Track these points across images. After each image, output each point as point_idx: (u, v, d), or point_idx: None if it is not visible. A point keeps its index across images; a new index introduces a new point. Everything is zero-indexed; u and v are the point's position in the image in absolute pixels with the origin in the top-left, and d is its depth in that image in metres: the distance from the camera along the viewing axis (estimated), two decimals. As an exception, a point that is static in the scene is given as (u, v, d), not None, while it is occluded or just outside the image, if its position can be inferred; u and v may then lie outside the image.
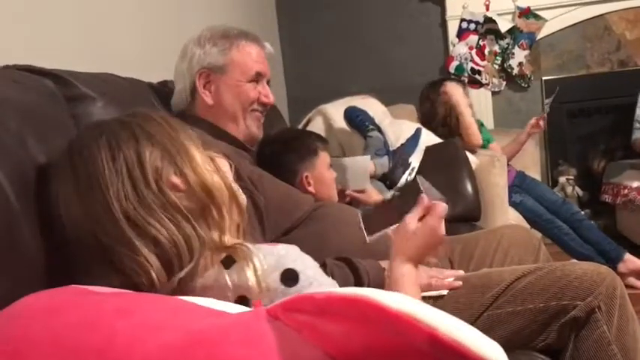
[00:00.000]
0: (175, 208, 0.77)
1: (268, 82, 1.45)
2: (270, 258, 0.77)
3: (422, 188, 0.96)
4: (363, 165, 1.87)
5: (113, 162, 0.78)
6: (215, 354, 0.46)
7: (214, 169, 0.85)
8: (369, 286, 1.18)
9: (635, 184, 2.89)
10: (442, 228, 0.97)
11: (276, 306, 0.49)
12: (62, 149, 0.84)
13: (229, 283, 0.72)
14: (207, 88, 1.37)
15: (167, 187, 0.78)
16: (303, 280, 0.77)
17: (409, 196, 1.00)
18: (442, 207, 0.98)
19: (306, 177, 1.56)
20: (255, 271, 0.73)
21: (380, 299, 0.41)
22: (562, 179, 3.31)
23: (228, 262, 0.75)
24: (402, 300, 0.40)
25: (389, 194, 1.07)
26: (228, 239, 0.80)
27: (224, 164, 0.89)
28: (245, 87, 1.37)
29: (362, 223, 1.02)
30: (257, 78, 1.39)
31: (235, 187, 0.87)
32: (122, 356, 0.48)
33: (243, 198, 0.89)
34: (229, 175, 0.89)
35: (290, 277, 0.77)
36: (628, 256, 2.54)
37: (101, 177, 0.77)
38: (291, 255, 0.79)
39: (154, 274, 0.71)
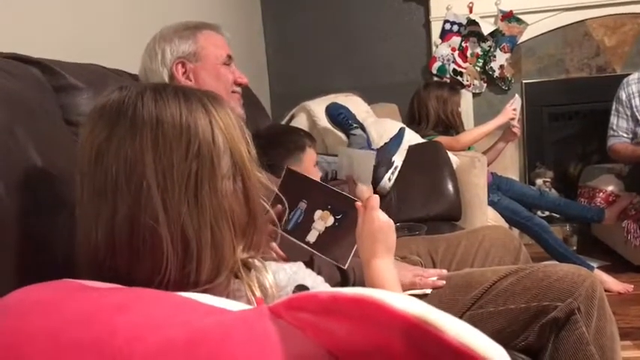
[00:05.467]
0: (227, 217, 0.71)
1: None
2: (282, 274, 0.77)
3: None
4: (370, 159, 1.87)
5: (187, 151, 0.69)
6: (218, 352, 0.46)
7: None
8: (354, 283, 1.19)
9: (609, 188, 2.96)
10: (381, 215, 0.96)
11: (279, 304, 0.49)
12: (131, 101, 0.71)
13: (242, 292, 0.70)
14: (186, 76, 1.37)
15: (224, 194, 0.71)
16: None
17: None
18: (373, 199, 0.98)
19: None
20: (269, 283, 0.72)
21: (386, 300, 0.41)
22: (539, 181, 3.37)
23: (239, 273, 0.73)
24: (409, 301, 0.41)
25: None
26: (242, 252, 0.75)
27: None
28: (222, 69, 1.39)
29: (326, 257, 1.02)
30: (228, 61, 1.41)
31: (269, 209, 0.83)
32: (122, 353, 0.48)
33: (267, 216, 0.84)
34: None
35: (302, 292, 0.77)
36: (606, 211, 2.84)
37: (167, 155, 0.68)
38: (301, 272, 0.80)
39: (170, 278, 0.66)
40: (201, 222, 0.69)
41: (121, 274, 0.67)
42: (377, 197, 0.99)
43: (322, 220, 1.03)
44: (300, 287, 0.78)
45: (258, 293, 0.72)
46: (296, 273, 0.79)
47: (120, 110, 0.71)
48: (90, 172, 0.70)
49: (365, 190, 1.76)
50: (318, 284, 0.82)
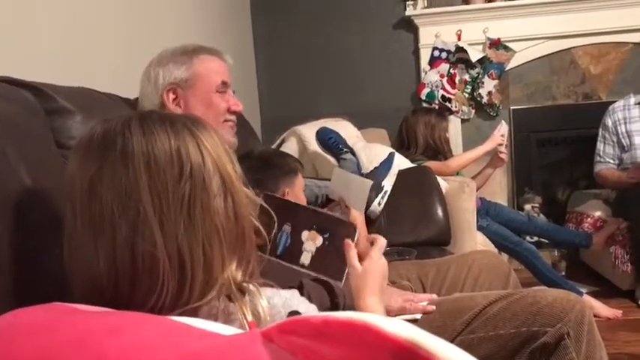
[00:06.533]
0: (218, 233, 0.72)
1: (233, 92, 1.43)
2: (277, 300, 0.77)
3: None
4: (366, 187, 1.87)
5: (180, 177, 0.71)
6: (209, 375, 0.46)
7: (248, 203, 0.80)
8: (344, 308, 1.19)
9: (597, 214, 2.98)
10: (383, 258, 1.04)
11: (271, 328, 0.49)
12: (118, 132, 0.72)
13: (236, 316, 0.71)
14: (176, 103, 1.35)
15: (215, 211, 0.73)
16: None
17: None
18: (381, 241, 1.05)
19: (287, 192, 1.56)
20: (263, 308, 0.73)
21: (378, 323, 0.41)
22: (527, 207, 3.38)
23: (233, 296, 0.73)
24: (400, 325, 0.41)
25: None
26: (238, 275, 0.76)
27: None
28: (214, 97, 1.35)
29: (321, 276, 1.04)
30: (223, 88, 1.37)
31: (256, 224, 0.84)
32: (113, 376, 0.48)
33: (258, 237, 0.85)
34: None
35: None
36: (594, 236, 2.87)
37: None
38: (295, 298, 0.80)
39: (166, 299, 0.68)
40: (194, 241, 0.71)
41: (120, 299, 0.68)
42: (384, 240, 1.04)
43: (311, 240, 1.04)
44: (294, 313, 0.78)
45: (250, 318, 0.72)
46: (290, 299, 0.80)
47: (107, 142, 0.72)
48: (83, 203, 0.71)
49: (358, 216, 1.77)
50: (310, 312, 0.82)
